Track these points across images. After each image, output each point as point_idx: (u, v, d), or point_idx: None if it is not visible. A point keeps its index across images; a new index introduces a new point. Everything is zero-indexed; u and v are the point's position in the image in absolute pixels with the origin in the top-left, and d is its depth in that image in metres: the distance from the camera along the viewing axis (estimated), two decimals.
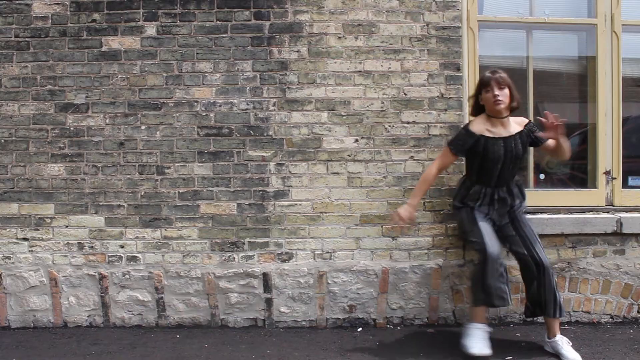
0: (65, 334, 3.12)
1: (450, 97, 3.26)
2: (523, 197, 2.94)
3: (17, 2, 3.19)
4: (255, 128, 3.22)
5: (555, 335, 2.79)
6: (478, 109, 2.87)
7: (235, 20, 3.21)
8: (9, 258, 3.20)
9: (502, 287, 2.70)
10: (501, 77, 2.70)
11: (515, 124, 2.84)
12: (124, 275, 3.20)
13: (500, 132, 2.78)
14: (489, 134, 2.78)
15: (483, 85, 2.75)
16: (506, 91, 2.70)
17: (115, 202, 3.21)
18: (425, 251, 3.26)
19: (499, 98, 2.68)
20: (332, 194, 3.22)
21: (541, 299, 2.77)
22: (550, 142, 2.81)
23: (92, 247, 3.21)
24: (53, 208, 3.20)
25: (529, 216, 3.25)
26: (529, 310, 2.91)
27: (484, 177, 2.83)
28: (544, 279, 2.72)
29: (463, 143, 2.82)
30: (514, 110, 2.82)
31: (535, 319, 3.30)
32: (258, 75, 3.21)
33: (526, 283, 2.84)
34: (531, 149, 3.23)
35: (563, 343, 2.77)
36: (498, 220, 2.89)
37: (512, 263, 3.00)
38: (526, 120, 2.88)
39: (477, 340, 2.75)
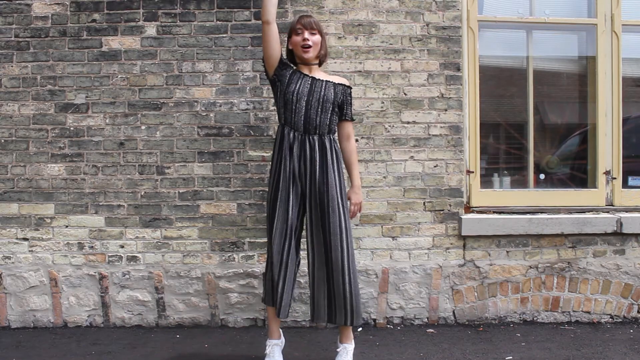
0: (65, 334, 3.12)
1: (450, 97, 3.26)
2: (337, 158, 2.56)
3: (17, 2, 3.19)
4: (255, 128, 3.22)
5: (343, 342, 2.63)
6: (289, 55, 2.63)
7: (235, 20, 3.21)
8: (9, 258, 3.20)
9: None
10: (313, 21, 2.54)
11: (331, 76, 2.67)
12: (124, 275, 3.20)
13: (307, 73, 2.57)
14: (297, 68, 2.58)
15: (293, 27, 2.57)
16: (317, 37, 2.54)
17: (115, 202, 3.21)
18: (425, 251, 3.26)
19: (308, 42, 2.51)
20: None
21: (332, 302, 2.54)
22: (347, 133, 2.65)
23: (92, 247, 3.21)
24: (53, 208, 3.20)
25: (528, 216, 3.27)
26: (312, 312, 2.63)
27: (290, 117, 2.53)
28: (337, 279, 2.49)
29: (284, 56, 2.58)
30: (321, 62, 2.62)
31: (535, 318, 3.31)
32: (258, 75, 3.21)
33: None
34: None
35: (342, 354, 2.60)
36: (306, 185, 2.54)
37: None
38: (347, 82, 2.66)
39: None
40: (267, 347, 2.65)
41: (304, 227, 2.63)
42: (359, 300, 2.55)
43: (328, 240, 2.50)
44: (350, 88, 2.67)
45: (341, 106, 2.62)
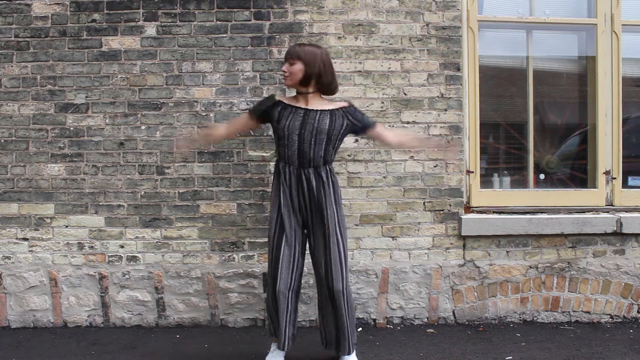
0: (65, 334, 3.12)
1: (450, 97, 3.26)
2: (335, 189, 2.55)
3: (17, 2, 3.19)
4: (255, 128, 3.21)
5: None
6: None
7: (235, 20, 3.21)
8: (9, 258, 3.20)
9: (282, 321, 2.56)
10: (291, 51, 2.52)
11: (330, 103, 2.58)
12: (124, 275, 3.20)
13: (302, 105, 2.54)
14: (289, 102, 2.57)
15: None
16: (297, 66, 2.47)
17: (115, 202, 3.21)
18: (425, 251, 3.26)
19: (285, 73, 2.52)
20: None
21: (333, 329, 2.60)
22: (383, 135, 2.65)
23: (92, 247, 3.21)
24: (53, 208, 3.20)
25: (528, 216, 3.27)
26: (323, 339, 2.70)
27: (284, 151, 2.54)
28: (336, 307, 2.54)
29: (260, 104, 2.62)
30: (326, 92, 2.57)
31: (535, 318, 3.31)
32: (258, 75, 3.21)
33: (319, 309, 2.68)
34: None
35: None
36: (308, 214, 2.56)
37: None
38: (345, 103, 2.60)
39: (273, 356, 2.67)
40: (271, 346, 2.69)
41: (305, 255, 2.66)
42: (355, 328, 2.64)
43: (329, 270, 2.52)
44: (352, 106, 2.60)
45: (355, 125, 2.58)
